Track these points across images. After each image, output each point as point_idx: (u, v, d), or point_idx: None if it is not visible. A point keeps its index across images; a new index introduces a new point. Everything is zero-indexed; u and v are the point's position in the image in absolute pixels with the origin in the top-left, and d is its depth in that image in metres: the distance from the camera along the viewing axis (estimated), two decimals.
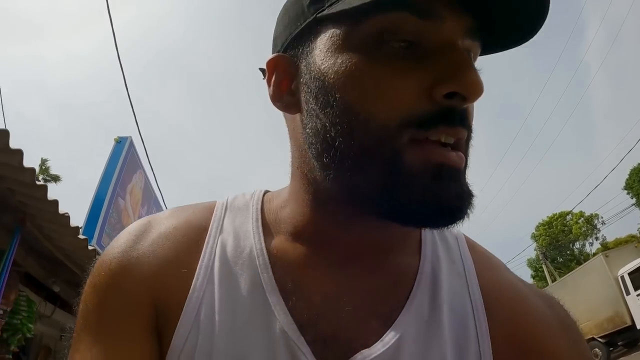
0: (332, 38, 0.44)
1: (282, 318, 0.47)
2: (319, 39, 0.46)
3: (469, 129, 0.44)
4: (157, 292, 0.50)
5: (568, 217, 33.62)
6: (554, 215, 34.26)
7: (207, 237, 0.53)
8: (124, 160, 7.18)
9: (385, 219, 0.44)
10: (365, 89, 0.42)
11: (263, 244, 0.52)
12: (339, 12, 0.42)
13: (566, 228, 33.56)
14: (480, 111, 0.52)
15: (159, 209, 8.62)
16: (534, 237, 34.54)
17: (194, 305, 0.48)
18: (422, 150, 0.41)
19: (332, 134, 0.43)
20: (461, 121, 0.42)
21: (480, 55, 0.47)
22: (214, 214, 0.56)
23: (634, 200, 25.68)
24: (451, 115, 0.41)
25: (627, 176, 27.00)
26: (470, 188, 0.44)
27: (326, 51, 0.45)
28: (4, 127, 2.85)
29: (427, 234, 0.56)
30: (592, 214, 32.36)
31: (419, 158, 0.41)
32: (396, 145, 0.41)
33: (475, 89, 0.40)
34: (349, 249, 0.50)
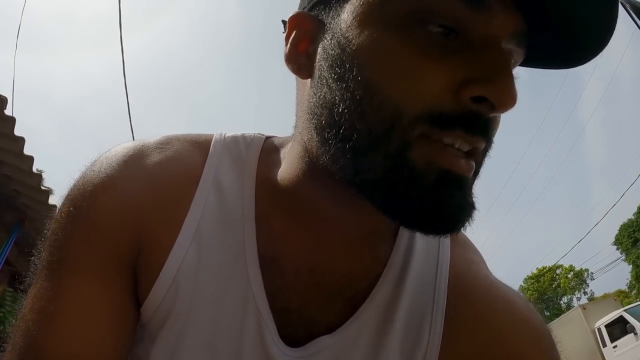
0: (364, 5, 0.40)
1: (255, 287, 0.48)
2: (350, 3, 0.41)
3: (489, 140, 0.40)
4: (141, 233, 0.48)
5: (558, 271, 33.64)
6: (543, 268, 34.27)
7: (197, 189, 0.50)
8: None
9: (377, 209, 0.41)
10: (387, 69, 0.38)
11: (253, 207, 0.50)
12: None
13: (555, 282, 33.52)
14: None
15: None
16: (522, 290, 34.39)
17: (175, 263, 0.47)
18: (431, 150, 0.38)
19: (340, 109, 0.40)
20: (483, 131, 0.38)
21: (519, 65, 0.43)
22: (208, 160, 0.52)
23: (623, 256, 25.77)
24: (474, 122, 0.37)
25: (616, 231, 27.20)
26: (474, 200, 0.41)
27: (355, 18, 0.40)
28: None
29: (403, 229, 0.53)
30: (581, 269, 32.39)
31: (425, 157, 0.38)
32: (406, 138, 0.37)
33: (507, 98, 0.36)
34: (333, 226, 0.49)
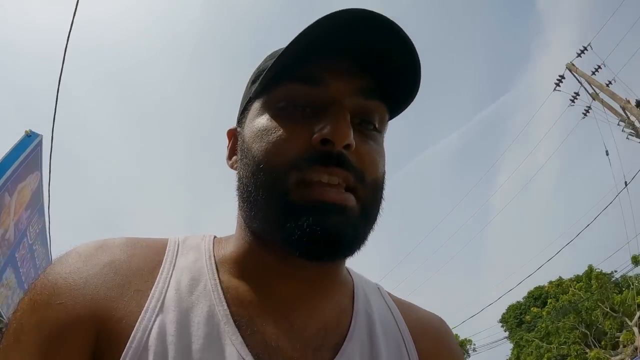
0: (255, 108, 0.57)
1: (239, 347, 0.49)
2: (250, 111, 0.58)
3: (351, 170, 0.50)
4: (103, 317, 0.49)
5: None
6: None
7: (161, 268, 0.54)
8: (26, 156, 6.51)
9: (285, 251, 0.51)
10: (265, 141, 0.51)
11: (217, 280, 0.54)
12: (257, 89, 0.56)
13: None
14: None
15: (41, 217, 7.79)
16: None
17: (145, 327, 0.48)
18: (305, 190, 0.49)
19: (245, 181, 0.53)
20: (338, 163, 0.49)
21: (394, 113, 0.59)
22: (167, 249, 0.58)
23: (507, 334, 27.48)
24: (326, 158, 0.49)
25: (504, 310, 29.10)
26: (358, 226, 0.51)
27: (250, 118, 0.57)
28: None
29: (356, 282, 0.65)
30: (465, 339, 34.19)
31: (302, 196, 0.49)
32: (285, 185, 0.49)
33: (341, 136, 0.48)
34: (290, 284, 0.55)
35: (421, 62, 0.52)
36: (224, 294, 0.53)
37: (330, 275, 0.59)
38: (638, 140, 11.13)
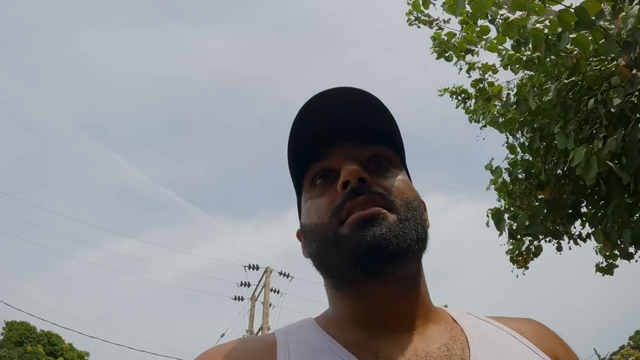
0: (302, 202, 0.69)
1: None
2: (302, 207, 0.70)
3: (374, 194, 0.59)
4: None
5: None
6: None
7: (278, 346, 0.60)
8: None
9: (357, 276, 0.57)
10: (312, 214, 0.63)
11: (330, 337, 0.59)
12: (295, 186, 0.72)
13: None
14: None
15: None
16: None
17: None
18: (347, 222, 0.58)
19: (313, 251, 0.64)
20: (359, 192, 0.59)
21: (397, 144, 0.69)
22: (277, 334, 0.63)
23: None
24: (351, 194, 0.59)
25: None
26: (399, 230, 0.57)
27: (302, 210, 0.69)
28: None
29: (451, 312, 0.69)
30: None
31: (347, 227, 0.58)
32: (333, 229, 0.59)
33: (351, 173, 0.59)
34: (394, 323, 0.59)
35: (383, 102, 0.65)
36: (343, 347, 0.57)
37: (417, 297, 0.63)
38: None
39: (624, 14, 2.17)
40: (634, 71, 2.36)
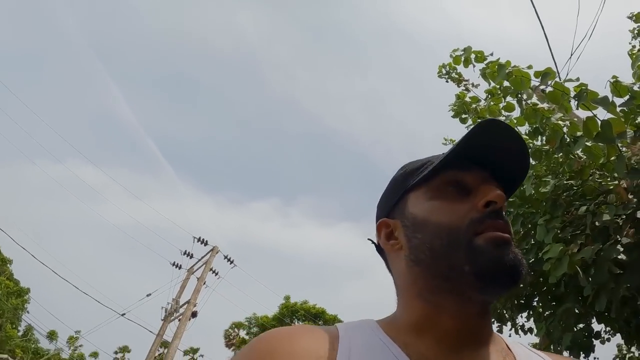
0: (417, 195, 0.72)
1: None
2: (409, 199, 0.73)
3: (507, 223, 0.65)
4: None
5: None
6: None
7: (340, 340, 0.62)
8: None
9: (476, 286, 0.61)
10: (443, 213, 0.66)
11: (391, 341, 0.62)
12: (420, 179, 0.72)
13: None
14: None
15: None
16: None
17: None
18: (484, 236, 0.62)
19: (429, 245, 0.66)
20: (500, 217, 0.65)
21: (510, 191, 0.74)
22: (339, 328, 0.66)
23: None
24: (493, 214, 0.64)
25: None
26: (524, 261, 0.63)
27: (415, 203, 0.71)
28: None
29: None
30: None
31: (483, 239, 0.62)
32: (468, 236, 0.63)
33: (500, 197, 0.65)
34: (463, 336, 0.63)
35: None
36: (400, 350, 0.61)
37: (489, 320, 0.69)
38: None
39: None
40: (631, 196, 2.49)
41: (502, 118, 4.24)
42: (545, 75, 2.78)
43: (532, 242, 3.49)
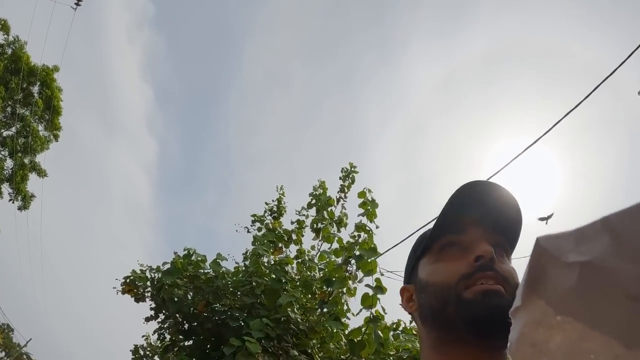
0: (424, 261, 0.80)
1: None
2: (420, 266, 0.81)
3: (499, 273, 0.70)
4: None
5: None
6: None
7: None
8: None
9: (471, 333, 0.68)
10: (438, 274, 0.75)
11: None
12: (422, 250, 0.81)
13: None
14: None
15: None
16: None
17: None
18: (472, 289, 0.69)
19: (429, 303, 0.75)
20: (489, 268, 0.70)
21: (515, 242, 0.80)
22: None
23: None
24: (482, 267, 0.70)
25: None
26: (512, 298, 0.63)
27: (422, 268, 0.80)
28: None
29: None
30: None
31: (471, 293, 0.69)
32: (458, 291, 0.70)
33: (487, 251, 0.71)
34: None
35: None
36: None
37: None
38: None
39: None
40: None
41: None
42: None
43: None
